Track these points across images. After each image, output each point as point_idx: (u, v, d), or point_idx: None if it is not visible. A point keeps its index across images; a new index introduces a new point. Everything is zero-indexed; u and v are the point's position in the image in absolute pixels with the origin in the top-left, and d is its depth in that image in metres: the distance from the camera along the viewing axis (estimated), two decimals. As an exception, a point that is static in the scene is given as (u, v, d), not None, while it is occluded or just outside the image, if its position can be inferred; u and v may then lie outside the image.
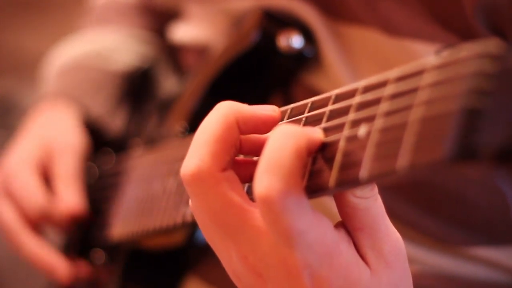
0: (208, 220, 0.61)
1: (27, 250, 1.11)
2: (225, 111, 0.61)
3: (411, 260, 0.85)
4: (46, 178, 1.13)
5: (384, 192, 0.64)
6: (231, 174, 0.61)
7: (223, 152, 0.60)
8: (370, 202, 0.59)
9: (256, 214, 0.60)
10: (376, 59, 0.84)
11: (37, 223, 1.12)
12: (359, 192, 0.58)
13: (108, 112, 1.18)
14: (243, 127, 0.61)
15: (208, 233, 0.63)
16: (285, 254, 0.58)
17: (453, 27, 0.77)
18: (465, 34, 0.77)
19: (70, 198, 1.10)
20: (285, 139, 0.56)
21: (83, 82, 1.19)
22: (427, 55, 0.79)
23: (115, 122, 1.17)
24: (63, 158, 1.13)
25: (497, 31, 0.75)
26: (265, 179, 0.56)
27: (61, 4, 2.31)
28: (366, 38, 0.84)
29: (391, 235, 0.60)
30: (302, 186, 0.56)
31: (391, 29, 0.81)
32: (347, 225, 0.60)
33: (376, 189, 0.59)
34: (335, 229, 0.59)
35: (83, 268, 1.11)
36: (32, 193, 1.11)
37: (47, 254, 1.10)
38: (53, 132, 1.16)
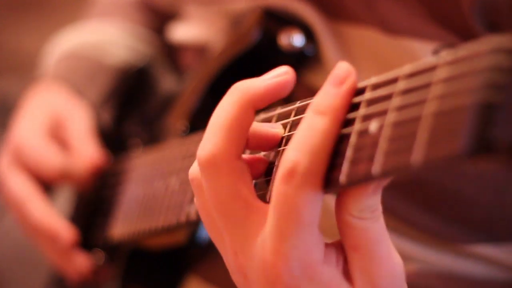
0: (212, 206, 0.62)
1: (33, 219, 1.09)
2: (238, 96, 0.61)
3: (410, 259, 0.86)
4: (59, 143, 1.12)
5: (383, 191, 0.64)
6: (244, 165, 0.61)
7: (238, 138, 0.61)
8: (368, 223, 0.58)
9: (258, 211, 0.60)
10: (374, 58, 0.85)
11: (54, 185, 1.11)
12: (356, 212, 0.58)
13: (99, 104, 1.17)
14: (259, 104, 0.62)
15: (208, 221, 0.64)
16: (268, 260, 0.58)
17: (451, 26, 0.78)
18: (463, 33, 0.77)
19: (88, 151, 1.09)
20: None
21: (78, 70, 1.19)
22: (425, 54, 0.80)
23: (104, 117, 1.17)
24: (72, 121, 1.12)
25: (495, 29, 0.76)
26: (295, 153, 0.56)
27: (61, 4, 2.31)
28: (365, 37, 0.84)
29: (387, 260, 0.59)
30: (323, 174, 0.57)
31: (389, 28, 0.82)
32: (343, 242, 0.60)
33: (377, 212, 0.59)
34: (325, 246, 0.59)
35: (84, 262, 1.11)
36: (48, 155, 1.10)
37: (52, 220, 1.08)
38: (57, 103, 1.15)
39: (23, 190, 1.10)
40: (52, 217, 1.09)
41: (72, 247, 1.08)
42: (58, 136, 1.13)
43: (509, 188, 0.81)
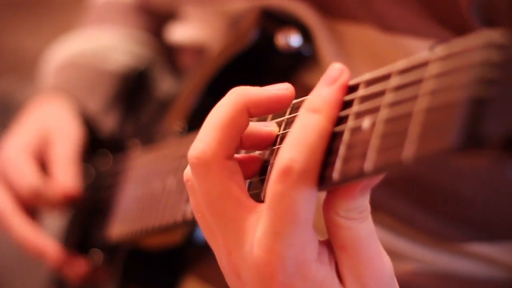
0: (203, 205, 0.62)
1: (18, 233, 1.11)
2: (234, 98, 0.61)
3: (407, 258, 0.85)
4: (43, 163, 1.14)
5: (380, 189, 0.64)
6: (235, 165, 0.61)
7: (230, 139, 0.61)
8: (355, 223, 0.59)
9: (251, 210, 0.60)
10: (371, 56, 0.85)
11: (32, 205, 1.13)
12: (343, 212, 0.58)
13: (102, 111, 1.18)
14: (255, 110, 0.62)
15: (201, 221, 0.64)
16: (263, 259, 0.59)
17: (448, 23, 0.78)
18: (460, 30, 0.77)
19: (64, 178, 1.10)
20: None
21: (79, 80, 1.20)
22: (421, 52, 0.80)
23: (108, 122, 1.18)
24: (59, 143, 1.13)
25: (492, 27, 0.75)
26: (290, 152, 0.56)
27: (61, 4, 2.32)
28: (362, 35, 0.84)
29: (375, 260, 0.60)
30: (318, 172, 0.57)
31: (386, 25, 0.82)
32: (331, 241, 0.60)
33: (365, 213, 0.59)
34: (319, 244, 0.59)
35: (82, 264, 1.11)
36: (25, 174, 1.11)
37: (37, 237, 1.10)
38: (50, 120, 1.16)
39: (5, 205, 1.12)
40: (36, 235, 1.10)
41: (59, 264, 1.09)
42: (44, 155, 1.14)
43: (506, 187, 0.81)
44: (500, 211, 0.83)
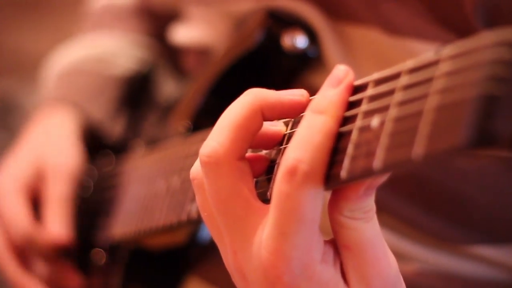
0: (212, 204, 0.62)
1: (9, 274, 1.11)
2: (250, 99, 0.62)
3: (410, 259, 0.86)
4: (36, 200, 1.13)
5: (384, 190, 0.65)
6: (246, 165, 0.61)
7: (242, 140, 0.61)
8: (360, 223, 0.59)
9: (258, 212, 0.60)
10: (377, 59, 0.85)
11: (22, 248, 1.11)
12: (348, 212, 0.58)
13: (108, 117, 1.18)
14: (269, 113, 0.62)
15: (208, 220, 0.64)
16: (268, 260, 0.59)
17: (453, 26, 0.78)
18: (464, 32, 0.77)
19: (55, 227, 1.09)
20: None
21: (83, 87, 1.20)
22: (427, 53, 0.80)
23: (115, 127, 1.18)
24: (54, 182, 1.11)
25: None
26: (296, 152, 0.57)
27: (61, 5, 2.32)
28: (367, 38, 0.85)
29: (380, 259, 0.60)
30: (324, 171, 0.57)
31: (392, 28, 0.82)
32: (336, 241, 0.60)
33: (370, 213, 0.59)
34: (324, 244, 0.59)
35: (74, 281, 1.11)
36: (18, 217, 1.10)
37: (27, 283, 1.10)
38: (48, 148, 1.15)
39: None
40: (26, 280, 1.10)
41: None
42: (38, 192, 1.13)
43: (509, 189, 0.81)
44: (503, 214, 0.83)
